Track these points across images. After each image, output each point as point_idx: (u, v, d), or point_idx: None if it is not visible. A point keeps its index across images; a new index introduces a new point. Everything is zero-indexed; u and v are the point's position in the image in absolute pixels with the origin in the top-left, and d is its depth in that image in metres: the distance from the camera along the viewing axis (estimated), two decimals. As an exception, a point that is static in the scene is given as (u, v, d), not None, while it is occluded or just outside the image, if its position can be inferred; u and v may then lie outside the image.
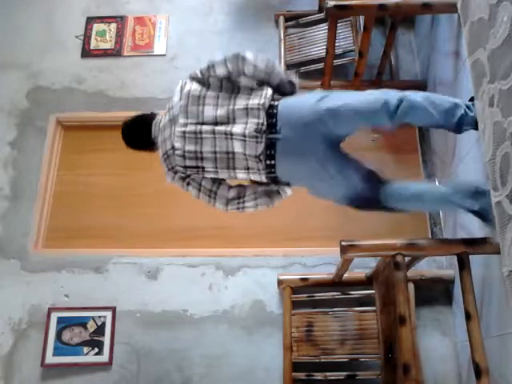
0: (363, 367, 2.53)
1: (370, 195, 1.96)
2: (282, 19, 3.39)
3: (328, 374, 2.50)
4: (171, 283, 2.81)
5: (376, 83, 3.09)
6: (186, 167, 1.97)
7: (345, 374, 2.50)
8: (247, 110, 1.89)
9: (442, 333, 2.65)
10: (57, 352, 2.67)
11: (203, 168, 1.95)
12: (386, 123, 1.88)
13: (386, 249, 2.01)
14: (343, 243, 1.98)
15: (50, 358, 2.66)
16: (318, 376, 2.50)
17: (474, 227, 2.41)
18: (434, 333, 2.64)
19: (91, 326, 2.72)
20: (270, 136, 1.87)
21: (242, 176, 1.95)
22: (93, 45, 3.47)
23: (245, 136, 1.86)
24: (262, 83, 1.97)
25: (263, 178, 1.94)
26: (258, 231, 2.96)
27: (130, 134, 2.21)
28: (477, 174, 2.32)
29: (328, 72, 2.96)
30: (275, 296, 2.74)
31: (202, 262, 2.84)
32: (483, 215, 1.84)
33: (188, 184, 2.01)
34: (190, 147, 1.93)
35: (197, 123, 1.93)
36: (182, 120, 1.95)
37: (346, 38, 3.21)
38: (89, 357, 2.67)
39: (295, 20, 3.41)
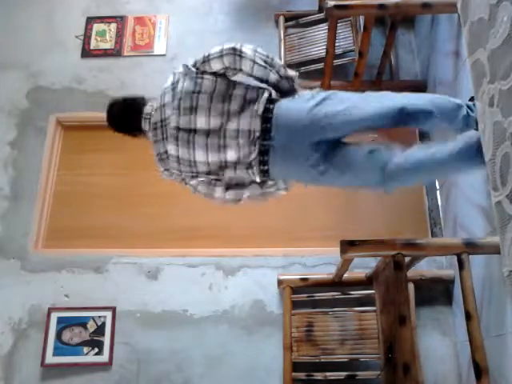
0: (363, 367, 2.53)
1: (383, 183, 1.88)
2: (281, 19, 3.39)
3: (328, 373, 2.50)
4: (171, 283, 2.81)
5: (376, 83, 3.10)
6: (180, 171, 1.96)
7: (345, 373, 2.50)
8: (238, 133, 1.84)
9: (442, 333, 2.65)
10: (57, 352, 2.67)
11: (197, 173, 1.93)
12: (388, 127, 1.85)
13: (385, 249, 2.01)
14: (343, 243, 1.98)
15: (50, 358, 2.66)
16: (318, 376, 2.51)
17: (474, 227, 2.41)
18: (434, 333, 2.64)
19: (91, 326, 2.72)
20: (263, 142, 1.82)
21: (236, 178, 1.94)
22: (93, 45, 3.47)
23: (239, 157, 1.86)
24: (259, 80, 1.91)
25: (257, 180, 1.92)
26: (258, 231, 2.96)
27: (116, 118, 2.15)
28: (477, 174, 2.32)
29: (328, 72, 2.96)
30: (275, 296, 2.74)
31: (202, 262, 2.84)
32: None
33: (185, 184, 2.01)
34: (183, 155, 1.90)
35: (190, 130, 1.87)
36: (173, 124, 1.91)
37: (345, 38, 3.21)
38: (89, 357, 2.67)
39: (295, 20, 3.41)
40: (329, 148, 1.83)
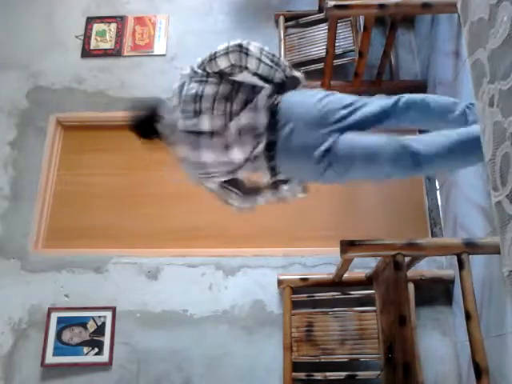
0: (363, 367, 2.53)
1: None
2: (281, 19, 3.39)
3: (328, 373, 2.50)
4: (171, 283, 2.81)
5: (376, 83, 3.10)
6: (198, 174, 1.96)
7: (345, 373, 2.50)
8: (241, 130, 1.84)
9: (442, 333, 2.65)
10: (57, 352, 2.67)
11: (212, 174, 1.93)
12: (390, 119, 1.88)
13: (386, 249, 2.01)
14: (343, 243, 1.98)
15: (50, 358, 2.66)
16: (318, 376, 2.51)
17: (474, 227, 2.41)
18: (434, 333, 2.64)
19: (91, 326, 2.72)
20: (269, 136, 1.82)
21: (249, 182, 1.97)
22: (93, 45, 3.47)
23: (245, 154, 1.86)
24: (264, 79, 1.91)
25: (268, 178, 1.92)
26: (258, 231, 2.96)
27: (139, 125, 2.10)
28: (477, 174, 2.32)
29: (328, 72, 2.96)
30: (275, 296, 2.74)
31: (202, 261, 2.84)
32: None
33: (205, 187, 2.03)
34: (193, 157, 1.90)
35: (195, 133, 1.88)
36: (181, 127, 1.91)
37: (345, 38, 3.21)
38: (89, 357, 2.67)
39: (295, 20, 3.41)
40: (338, 137, 1.80)
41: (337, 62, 3.05)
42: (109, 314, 2.73)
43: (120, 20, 3.54)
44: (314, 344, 2.56)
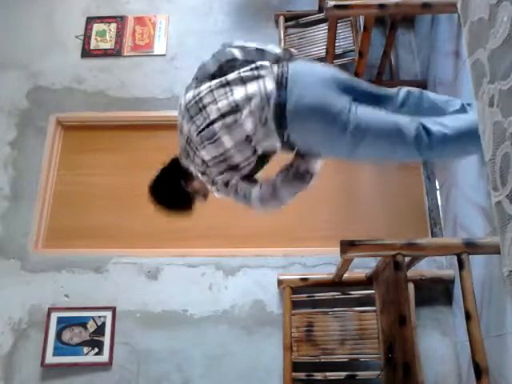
0: (363, 367, 2.53)
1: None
2: (281, 19, 3.39)
3: (328, 373, 2.50)
4: (171, 283, 2.81)
5: (376, 83, 3.08)
6: (221, 173, 1.91)
7: (345, 373, 2.50)
8: (248, 98, 1.82)
9: (442, 333, 2.65)
10: (57, 352, 2.67)
11: (233, 167, 1.88)
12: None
13: (385, 249, 2.01)
14: (343, 243, 1.98)
15: (50, 358, 2.66)
16: (318, 376, 2.51)
17: (474, 227, 2.41)
18: (434, 333, 2.64)
19: (91, 326, 2.72)
20: (278, 99, 1.78)
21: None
22: (93, 45, 3.47)
23: (255, 122, 1.81)
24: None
25: (278, 146, 1.87)
26: (258, 231, 2.96)
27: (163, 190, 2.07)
28: (477, 174, 2.32)
29: (328, 72, 2.95)
30: (275, 296, 2.74)
31: (202, 262, 2.84)
32: None
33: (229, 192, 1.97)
34: (215, 152, 1.86)
35: (208, 125, 1.86)
36: (194, 132, 1.89)
37: (345, 38, 3.21)
38: (89, 357, 2.67)
39: (295, 20, 3.41)
40: (357, 106, 1.82)
41: (337, 61, 3.05)
42: (109, 314, 2.73)
43: (120, 20, 3.54)
44: (314, 344, 2.56)
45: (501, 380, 2.09)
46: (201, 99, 1.91)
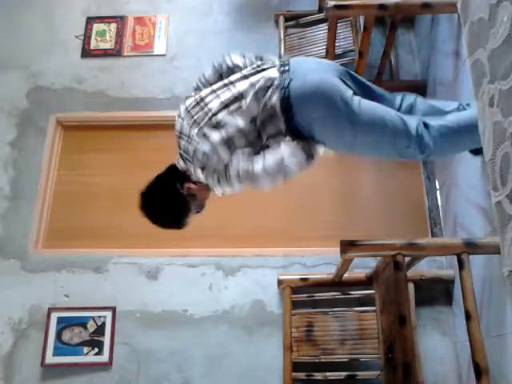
0: (363, 367, 2.53)
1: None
2: (281, 19, 3.39)
3: (328, 374, 2.50)
4: (171, 283, 2.81)
5: (376, 83, 3.08)
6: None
7: (345, 374, 2.50)
8: (252, 85, 1.82)
9: (442, 333, 2.65)
10: (57, 352, 2.67)
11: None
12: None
13: (385, 249, 2.01)
14: (343, 243, 1.98)
15: (50, 358, 2.66)
16: (318, 376, 2.51)
17: (474, 227, 2.41)
18: (434, 333, 2.64)
19: (91, 326, 2.72)
20: (281, 83, 1.78)
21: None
22: (93, 45, 3.47)
23: (259, 103, 1.79)
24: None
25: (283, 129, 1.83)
26: (258, 231, 2.96)
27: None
28: (477, 174, 2.32)
29: (328, 72, 2.95)
30: (275, 296, 2.74)
31: (202, 262, 2.84)
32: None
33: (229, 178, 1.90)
34: (216, 138, 1.82)
35: (211, 117, 1.84)
36: (198, 132, 1.87)
37: (345, 38, 3.21)
38: (89, 357, 2.67)
39: (295, 20, 3.40)
40: (360, 99, 1.83)
41: (337, 62, 3.04)
42: (109, 314, 2.73)
43: (120, 20, 3.54)
44: (314, 344, 2.56)
45: (501, 380, 2.09)
46: (202, 99, 1.91)
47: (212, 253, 2.87)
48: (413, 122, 1.82)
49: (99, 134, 3.27)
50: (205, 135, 1.83)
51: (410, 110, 1.96)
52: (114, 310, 2.74)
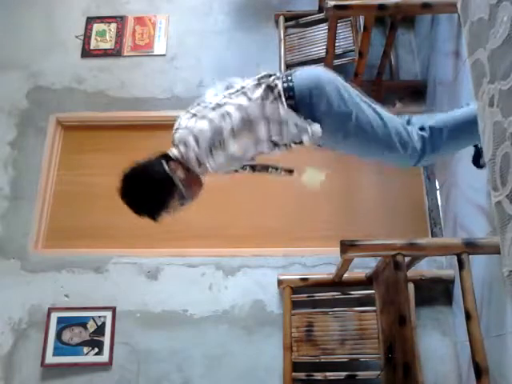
0: (363, 367, 2.53)
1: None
2: (281, 19, 3.39)
3: (328, 373, 2.50)
4: (171, 283, 2.81)
5: (376, 83, 3.10)
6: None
7: (345, 374, 2.50)
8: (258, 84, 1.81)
9: (442, 333, 2.65)
10: (57, 352, 2.67)
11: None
12: None
13: (386, 249, 2.01)
14: (343, 243, 1.98)
15: (50, 358, 2.66)
16: (318, 376, 2.51)
17: (474, 227, 2.41)
18: (434, 333, 2.64)
19: (91, 326, 2.72)
20: (286, 84, 1.78)
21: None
22: (93, 45, 3.47)
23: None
24: None
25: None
26: (258, 231, 2.96)
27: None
28: (477, 174, 2.32)
29: (328, 72, 2.95)
30: (275, 296, 2.74)
31: (202, 262, 2.84)
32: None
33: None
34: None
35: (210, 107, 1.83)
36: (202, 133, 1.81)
37: (346, 38, 3.21)
38: (89, 357, 2.67)
39: (295, 20, 3.41)
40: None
41: (337, 62, 3.05)
42: (109, 314, 2.73)
43: (120, 20, 3.54)
44: (314, 344, 2.56)
45: (501, 380, 2.09)
46: (203, 100, 1.90)
47: (212, 253, 2.87)
48: (412, 128, 1.86)
49: (99, 133, 3.27)
50: (203, 117, 1.79)
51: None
52: (114, 310, 2.74)
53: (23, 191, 3.06)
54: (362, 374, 2.50)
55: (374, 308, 2.51)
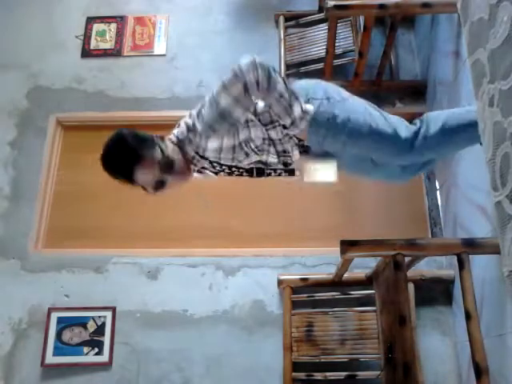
0: (363, 367, 2.53)
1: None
2: (281, 19, 3.39)
3: (328, 374, 2.50)
4: (171, 283, 2.81)
5: (376, 83, 3.10)
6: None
7: (345, 374, 2.50)
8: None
9: (442, 333, 2.65)
10: (57, 352, 2.67)
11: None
12: None
13: (385, 249, 2.01)
14: (343, 243, 1.98)
15: (50, 358, 2.66)
16: (318, 376, 2.51)
17: (474, 227, 2.41)
18: (434, 333, 2.64)
19: (91, 326, 2.72)
20: None
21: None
22: (93, 45, 3.47)
23: None
24: None
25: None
26: (258, 231, 2.96)
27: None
28: (477, 174, 2.32)
29: (328, 72, 2.96)
30: (275, 296, 2.74)
31: (202, 262, 2.84)
32: None
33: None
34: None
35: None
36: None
37: (346, 38, 3.21)
38: (89, 357, 2.67)
39: (295, 20, 3.41)
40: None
41: (337, 62, 3.05)
42: (109, 314, 2.73)
43: (120, 20, 3.54)
44: (314, 344, 2.56)
45: (501, 380, 2.09)
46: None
47: (212, 253, 2.87)
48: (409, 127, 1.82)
49: (99, 133, 3.24)
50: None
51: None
52: (114, 309, 2.74)
53: (23, 191, 3.06)
54: (361, 374, 2.50)
55: (374, 308, 2.51)
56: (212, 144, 1.72)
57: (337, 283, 2.60)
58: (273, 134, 1.73)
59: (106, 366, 2.65)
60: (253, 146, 1.74)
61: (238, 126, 1.70)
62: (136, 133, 1.83)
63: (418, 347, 2.47)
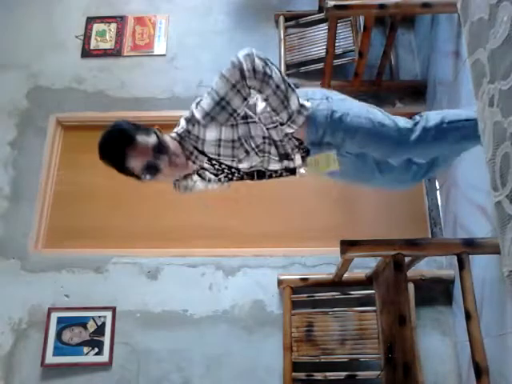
0: (363, 367, 2.53)
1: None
2: (281, 19, 3.39)
3: (328, 374, 2.50)
4: (171, 283, 2.81)
5: (376, 83, 3.10)
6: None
7: (345, 374, 2.50)
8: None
9: (442, 333, 2.65)
10: (57, 352, 2.67)
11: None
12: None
13: (385, 249, 2.01)
14: (343, 243, 1.98)
15: (50, 358, 2.66)
16: (318, 376, 2.51)
17: (474, 227, 2.41)
18: (434, 333, 2.64)
19: (91, 326, 2.72)
20: None
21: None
22: (93, 45, 3.47)
23: None
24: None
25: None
26: (258, 231, 2.96)
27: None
28: (477, 174, 2.32)
29: (328, 72, 2.96)
30: (275, 296, 2.74)
31: (202, 262, 2.84)
32: None
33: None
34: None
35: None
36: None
37: (346, 38, 3.21)
38: (89, 357, 2.67)
39: (295, 20, 3.41)
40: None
41: (337, 61, 3.05)
42: (109, 314, 2.73)
43: (120, 20, 3.54)
44: (314, 344, 2.56)
45: (501, 380, 2.09)
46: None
47: (212, 253, 2.87)
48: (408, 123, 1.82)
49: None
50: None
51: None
52: (114, 309, 2.74)
53: (23, 191, 3.06)
54: (361, 374, 2.50)
55: (374, 308, 2.51)
56: (210, 134, 1.71)
57: (337, 283, 2.60)
58: (273, 133, 1.73)
59: (105, 366, 2.65)
60: (253, 145, 1.74)
61: (237, 119, 1.69)
62: (134, 122, 1.84)
63: (418, 347, 2.47)
